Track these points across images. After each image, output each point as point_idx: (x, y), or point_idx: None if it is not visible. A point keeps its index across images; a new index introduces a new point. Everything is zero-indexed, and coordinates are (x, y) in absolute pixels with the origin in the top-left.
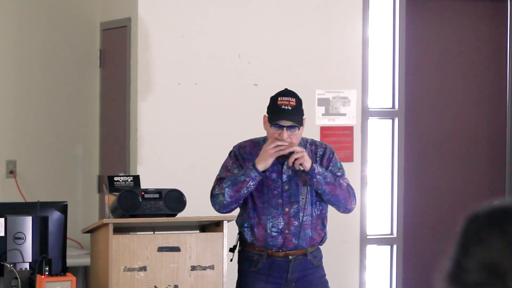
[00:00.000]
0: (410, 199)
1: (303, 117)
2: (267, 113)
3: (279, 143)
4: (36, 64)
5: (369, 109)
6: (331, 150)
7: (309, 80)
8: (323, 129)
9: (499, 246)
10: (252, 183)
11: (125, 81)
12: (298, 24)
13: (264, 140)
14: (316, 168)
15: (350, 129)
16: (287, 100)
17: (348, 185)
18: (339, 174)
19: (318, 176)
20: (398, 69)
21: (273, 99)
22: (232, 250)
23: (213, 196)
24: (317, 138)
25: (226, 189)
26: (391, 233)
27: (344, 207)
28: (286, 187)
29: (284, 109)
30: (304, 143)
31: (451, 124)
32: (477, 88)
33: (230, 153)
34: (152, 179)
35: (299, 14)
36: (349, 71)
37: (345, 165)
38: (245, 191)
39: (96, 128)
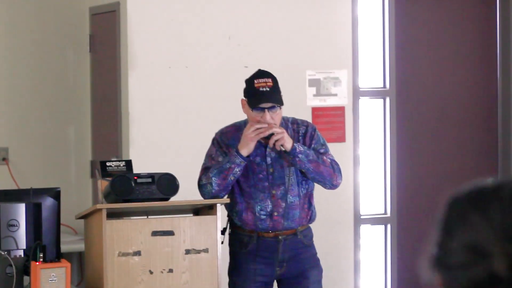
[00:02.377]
0: (403, 179)
1: (282, 97)
2: (245, 96)
3: (258, 126)
4: (25, 50)
5: (360, 89)
6: (313, 127)
7: (299, 61)
8: (315, 109)
9: (481, 227)
10: (238, 169)
11: (115, 65)
12: (288, 5)
13: (245, 123)
14: (297, 147)
15: (341, 109)
16: (264, 82)
17: (332, 160)
18: (322, 150)
19: (300, 155)
20: (388, 48)
21: (249, 82)
22: (223, 232)
23: (200, 186)
24: (308, 119)
25: (213, 178)
26: (385, 213)
27: (330, 183)
28: (271, 170)
29: (262, 91)
30: (286, 122)
31: (443, 103)
32: (468, 66)
33: (212, 140)
34: (144, 162)
35: None
36: (340, 51)
37: (337, 145)
38: (232, 178)
39: (87, 114)
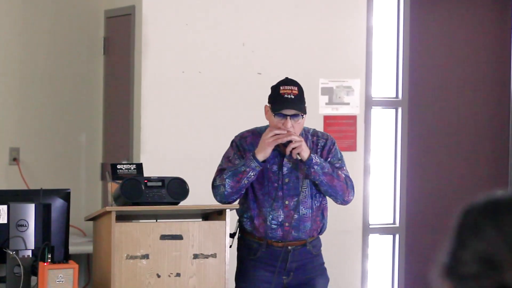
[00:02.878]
0: (413, 189)
1: (305, 107)
2: (269, 102)
3: (277, 131)
4: (40, 52)
5: (373, 99)
6: (332, 141)
7: (312, 69)
8: (326, 118)
9: (494, 238)
10: (252, 174)
11: (129, 69)
12: (302, 13)
13: (265, 129)
14: (313, 158)
15: (353, 118)
16: (289, 89)
17: (347, 176)
18: (337, 165)
19: (315, 166)
20: (402, 58)
21: (275, 88)
22: (232, 236)
23: (214, 187)
24: (320, 127)
25: (226, 180)
26: (394, 223)
27: (342, 199)
28: (287, 180)
29: (287, 98)
30: (306, 133)
31: (455, 114)
32: (481, 78)
33: (231, 143)
34: (155, 167)
35: (304, 2)
36: (353, 60)
37: (348, 154)
38: (246, 182)
39: (99, 116)
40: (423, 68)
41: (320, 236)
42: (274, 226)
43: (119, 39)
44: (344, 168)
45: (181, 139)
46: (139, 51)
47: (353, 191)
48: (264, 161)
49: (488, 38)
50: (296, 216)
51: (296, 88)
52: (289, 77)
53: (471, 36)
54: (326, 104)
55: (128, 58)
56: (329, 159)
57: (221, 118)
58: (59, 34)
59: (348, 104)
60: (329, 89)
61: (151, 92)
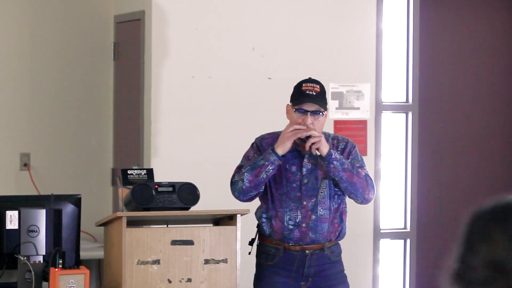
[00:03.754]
0: (424, 194)
1: (327, 106)
2: (291, 100)
3: (297, 126)
4: (50, 57)
5: (383, 103)
6: (353, 144)
7: (322, 73)
8: (337, 123)
9: (503, 243)
10: (271, 167)
11: (139, 74)
12: (312, 18)
13: None
14: (333, 153)
15: (363, 123)
16: (311, 86)
17: (367, 175)
18: (357, 165)
19: (335, 162)
20: (412, 62)
21: (298, 85)
22: (251, 243)
23: (232, 183)
24: (330, 132)
25: (245, 174)
26: (405, 227)
27: (362, 197)
28: (305, 181)
29: (308, 94)
30: (326, 136)
31: (465, 118)
32: (491, 82)
33: (252, 144)
34: (165, 172)
35: (313, 7)
36: (363, 64)
37: None
38: (264, 176)
39: (110, 121)
40: (433, 72)
41: (339, 242)
42: (291, 227)
43: (129, 44)
44: (365, 168)
45: (191, 144)
46: (149, 56)
47: (374, 190)
48: (283, 156)
49: (499, 41)
50: (313, 217)
51: (318, 86)
52: (312, 78)
53: (481, 40)
54: (337, 108)
55: (138, 63)
56: (349, 160)
57: (231, 123)
58: (69, 40)
59: (358, 108)
60: (339, 93)
61: (161, 97)
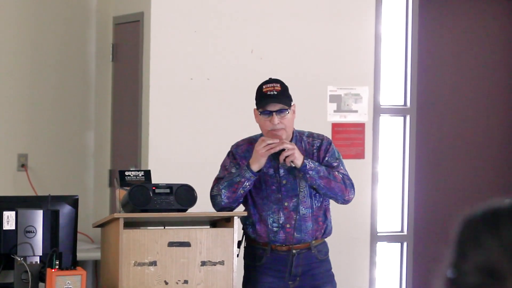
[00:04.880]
0: (421, 197)
1: (292, 103)
2: (256, 104)
3: (269, 141)
4: (48, 59)
5: (381, 106)
6: (329, 141)
7: (321, 76)
8: (335, 125)
9: (494, 248)
10: (247, 183)
11: (137, 75)
12: (311, 20)
13: (260, 137)
14: (307, 164)
15: (361, 126)
16: (271, 86)
17: (345, 175)
18: (335, 164)
19: (310, 172)
20: (410, 66)
21: (259, 88)
22: (238, 245)
23: (212, 197)
24: (328, 134)
25: (222, 190)
26: (402, 231)
27: (342, 199)
28: (284, 182)
29: (270, 94)
30: (300, 135)
31: (463, 122)
32: (489, 85)
33: (228, 153)
34: (163, 174)
35: (312, 10)
36: (361, 67)
37: (356, 161)
38: (242, 191)
39: (107, 123)
40: (431, 75)
41: (326, 240)
42: (275, 229)
43: (128, 46)
44: (341, 167)
45: (189, 146)
46: (147, 57)
47: (353, 189)
48: (259, 171)
49: (497, 45)
50: (296, 216)
51: (278, 85)
52: (272, 77)
53: (480, 43)
54: (335, 111)
55: (137, 65)
56: (326, 158)
57: (229, 125)
58: (67, 41)
59: (356, 111)
60: (337, 96)
61: (159, 99)
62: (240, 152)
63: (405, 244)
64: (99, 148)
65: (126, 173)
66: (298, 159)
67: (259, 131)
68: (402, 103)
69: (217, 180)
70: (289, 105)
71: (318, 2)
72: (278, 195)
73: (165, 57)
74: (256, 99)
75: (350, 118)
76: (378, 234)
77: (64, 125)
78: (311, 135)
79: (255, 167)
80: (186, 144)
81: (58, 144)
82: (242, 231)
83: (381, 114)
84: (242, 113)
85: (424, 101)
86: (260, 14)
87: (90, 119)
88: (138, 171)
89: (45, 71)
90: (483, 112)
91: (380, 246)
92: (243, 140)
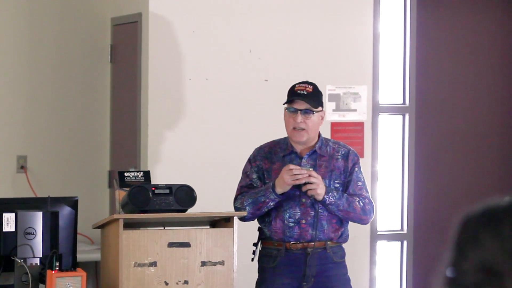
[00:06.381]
0: (421, 195)
1: (322, 109)
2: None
3: (296, 172)
4: (47, 60)
5: (380, 105)
6: (356, 154)
7: (319, 75)
8: (334, 124)
9: (493, 247)
10: (272, 204)
11: (136, 76)
12: (309, 20)
13: (283, 141)
14: (327, 199)
15: (360, 125)
16: (303, 86)
17: (366, 200)
18: (359, 183)
19: (330, 206)
20: (408, 65)
21: (291, 87)
22: (255, 245)
23: (236, 208)
24: (327, 134)
25: (247, 207)
26: (401, 229)
27: (360, 223)
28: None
29: (299, 93)
30: (327, 141)
31: (462, 120)
32: (488, 84)
33: (249, 158)
34: (162, 174)
35: (310, 9)
36: (360, 66)
37: None
38: (265, 209)
39: (107, 124)
40: (430, 74)
41: (343, 245)
42: (291, 224)
43: (126, 46)
44: (365, 189)
45: (188, 146)
46: (146, 58)
47: (372, 214)
48: (282, 194)
49: (495, 43)
50: (312, 213)
51: (311, 87)
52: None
53: (478, 42)
54: (333, 110)
55: (135, 65)
56: (354, 173)
57: (228, 125)
58: (66, 42)
59: (355, 110)
60: (336, 95)
61: (158, 99)
62: (262, 153)
63: (405, 242)
64: (98, 149)
65: (126, 174)
66: (319, 194)
67: (257, 132)
68: (401, 102)
69: (240, 189)
70: (316, 107)
71: (316, 2)
72: (297, 191)
73: (163, 58)
74: (287, 96)
75: (349, 117)
76: (378, 233)
77: (63, 127)
78: (337, 142)
79: (279, 190)
80: (185, 144)
81: (57, 145)
82: (258, 231)
83: (380, 113)
84: (241, 112)
85: (423, 100)
86: (258, 14)
87: (89, 120)
88: (137, 171)
89: (44, 72)
90: (482, 110)
91: (380, 244)
92: (265, 144)
